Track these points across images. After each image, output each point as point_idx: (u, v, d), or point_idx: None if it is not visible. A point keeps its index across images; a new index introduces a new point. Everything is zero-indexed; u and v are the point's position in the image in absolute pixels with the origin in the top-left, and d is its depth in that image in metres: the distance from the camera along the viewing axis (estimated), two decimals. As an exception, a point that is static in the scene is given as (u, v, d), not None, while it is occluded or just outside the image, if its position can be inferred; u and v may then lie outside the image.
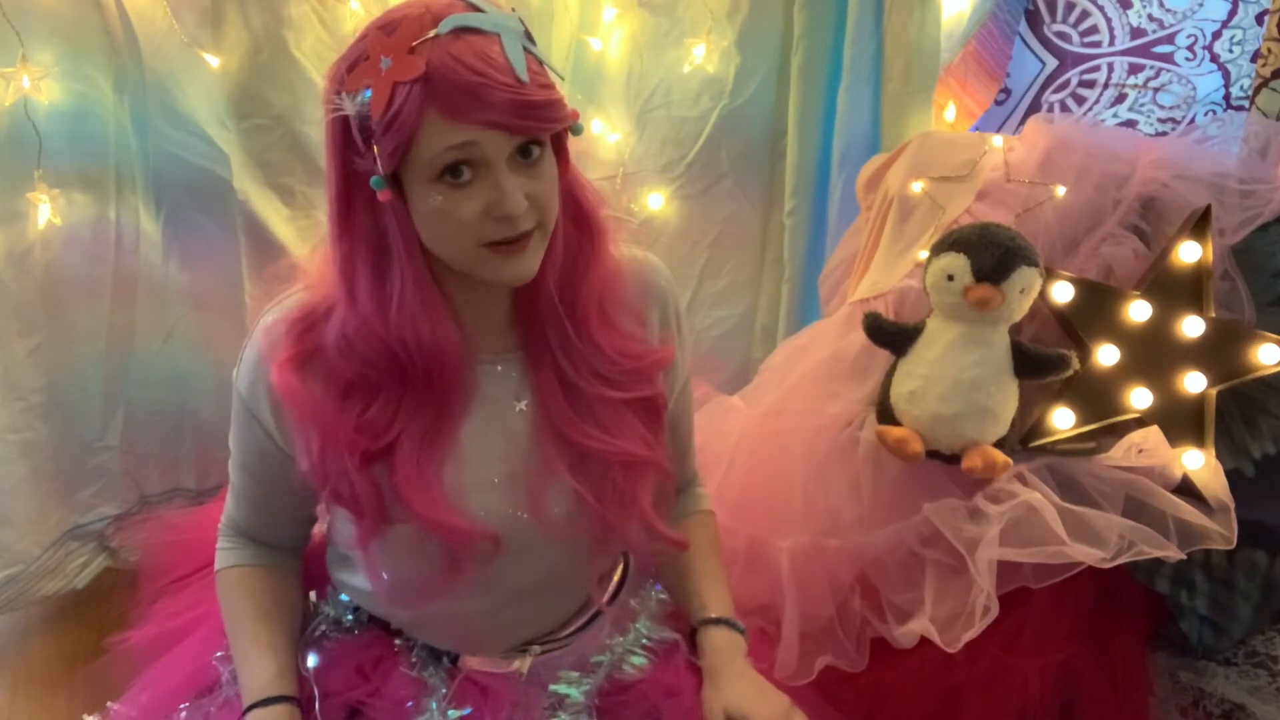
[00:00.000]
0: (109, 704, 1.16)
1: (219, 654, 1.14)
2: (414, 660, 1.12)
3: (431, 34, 0.87)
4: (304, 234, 1.90)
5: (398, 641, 1.13)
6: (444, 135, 0.88)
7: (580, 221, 1.02)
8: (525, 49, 0.91)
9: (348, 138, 0.92)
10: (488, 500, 1.03)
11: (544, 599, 1.12)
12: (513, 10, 0.93)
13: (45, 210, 1.73)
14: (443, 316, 0.97)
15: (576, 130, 0.97)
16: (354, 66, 0.90)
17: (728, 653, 1.11)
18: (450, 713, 1.09)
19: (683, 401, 1.20)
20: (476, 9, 0.90)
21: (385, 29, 0.89)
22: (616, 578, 1.21)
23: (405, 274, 0.95)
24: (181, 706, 1.12)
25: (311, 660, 1.12)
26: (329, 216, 0.98)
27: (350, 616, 1.16)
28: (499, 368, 1.04)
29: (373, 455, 0.98)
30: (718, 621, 1.14)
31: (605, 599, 1.17)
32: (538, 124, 0.90)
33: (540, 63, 0.92)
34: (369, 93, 0.88)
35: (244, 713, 1.04)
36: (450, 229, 0.92)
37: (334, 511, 1.07)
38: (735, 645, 1.13)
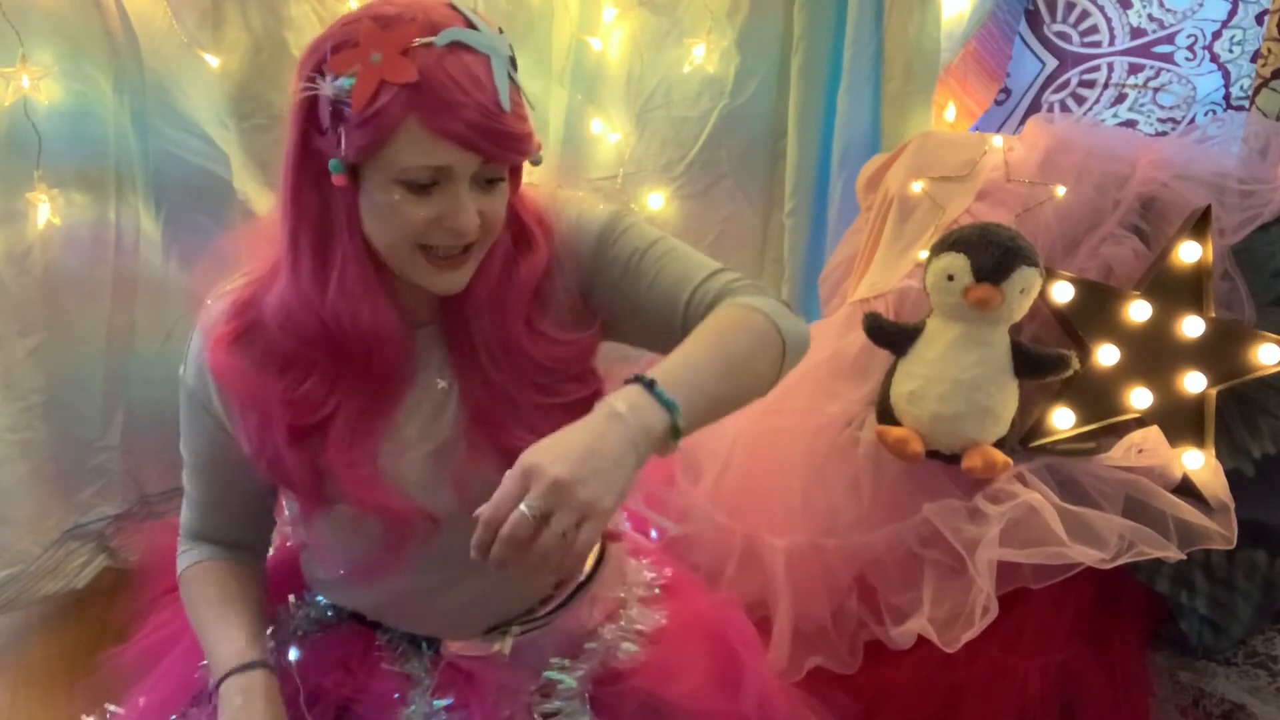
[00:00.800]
0: (107, 706, 1.16)
1: (203, 664, 1.13)
2: (396, 652, 1.12)
3: (428, 41, 0.87)
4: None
5: (378, 635, 1.13)
6: (422, 149, 0.88)
7: (519, 237, 1.03)
8: (511, 78, 0.92)
9: (313, 115, 0.92)
10: (418, 476, 1.02)
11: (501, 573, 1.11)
12: (501, 31, 0.93)
13: (45, 210, 1.72)
14: (381, 299, 0.97)
15: (536, 161, 0.97)
16: (339, 49, 0.90)
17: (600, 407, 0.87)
18: (435, 703, 1.09)
19: (632, 246, 1.04)
20: (472, 27, 0.91)
21: (380, 22, 0.89)
22: (594, 554, 1.19)
23: (347, 255, 0.95)
24: (173, 717, 1.12)
25: (293, 654, 1.12)
26: (280, 186, 0.98)
27: (330, 614, 1.16)
28: (425, 341, 1.04)
29: (302, 431, 0.99)
30: (633, 380, 0.89)
31: (580, 577, 1.16)
32: (510, 154, 0.92)
33: (520, 91, 0.93)
34: (350, 81, 0.88)
35: (216, 685, 1.02)
36: (395, 226, 0.92)
37: (284, 493, 1.09)
38: (622, 397, 0.86)
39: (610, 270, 1.04)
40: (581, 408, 0.91)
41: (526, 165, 1.01)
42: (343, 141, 0.90)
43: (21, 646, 1.92)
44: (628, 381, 0.87)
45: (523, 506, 0.78)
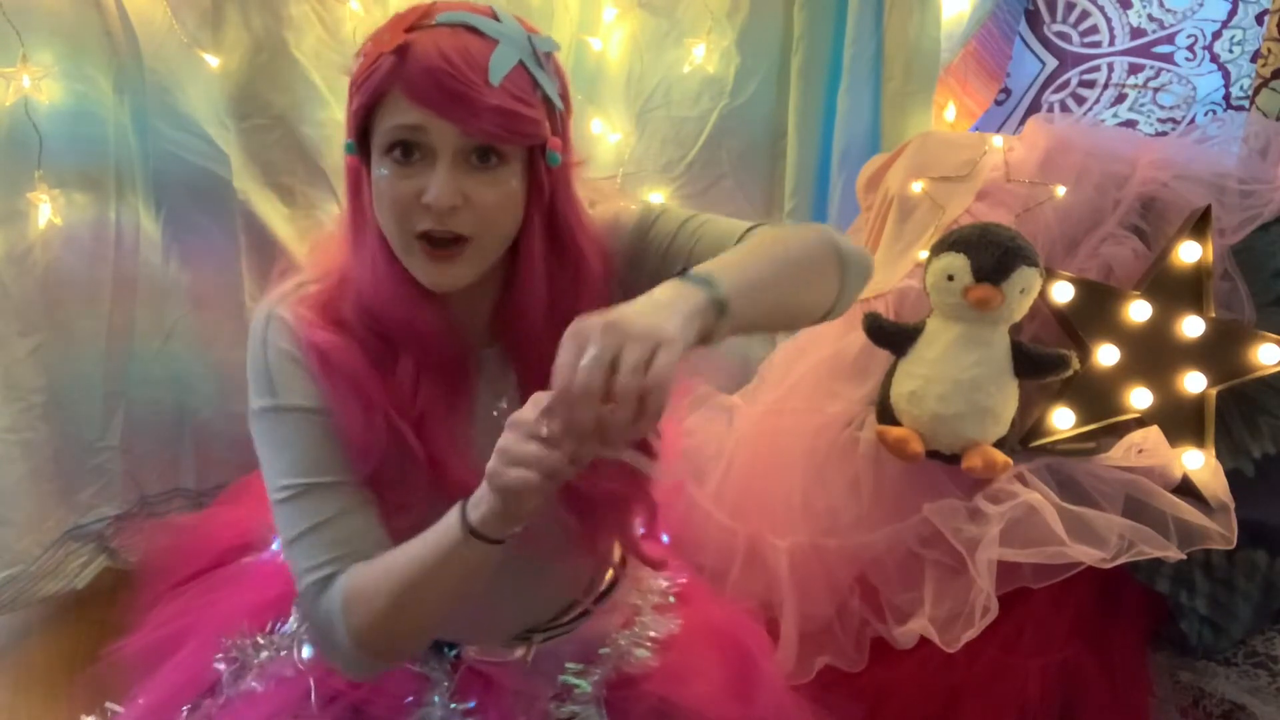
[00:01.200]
0: (108, 705, 1.16)
1: (219, 656, 1.13)
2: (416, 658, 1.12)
3: (430, 21, 0.91)
4: (304, 234, 1.90)
5: None
6: (398, 112, 0.90)
7: (563, 258, 0.99)
8: (524, 65, 0.91)
9: (348, 103, 0.96)
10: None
11: (546, 581, 1.12)
12: (542, 36, 0.94)
13: (45, 210, 1.72)
14: (410, 287, 0.96)
15: (552, 160, 0.96)
16: (370, 39, 0.94)
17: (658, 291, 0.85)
18: (453, 705, 1.09)
19: (670, 227, 1.06)
20: (494, 18, 0.92)
21: (403, 12, 0.93)
22: (616, 556, 1.20)
23: (373, 244, 0.96)
24: (184, 708, 1.12)
25: (306, 651, 1.11)
26: (345, 186, 1.00)
27: None
28: (486, 359, 1.04)
29: (412, 424, 0.96)
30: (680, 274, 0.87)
31: (603, 586, 1.17)
32: (490, 128, 0.90)
33: (534, 84, 0.93)
34: (363, 57, 0.93)
35: (465, 518, 0.87)
36: (387, 205, 0.93)
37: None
38: (672, 288, 0.83)
39: (652, 254, 1.03)
40: (636, 444, 0.92)
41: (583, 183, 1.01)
42: (349, 115, 0.94)
43: (21, 647, 1.91)
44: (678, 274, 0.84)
45: (587, 357, 0.74)
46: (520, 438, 0.79)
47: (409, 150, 0.91)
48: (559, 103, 0.96)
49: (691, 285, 0.81)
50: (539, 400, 0.80)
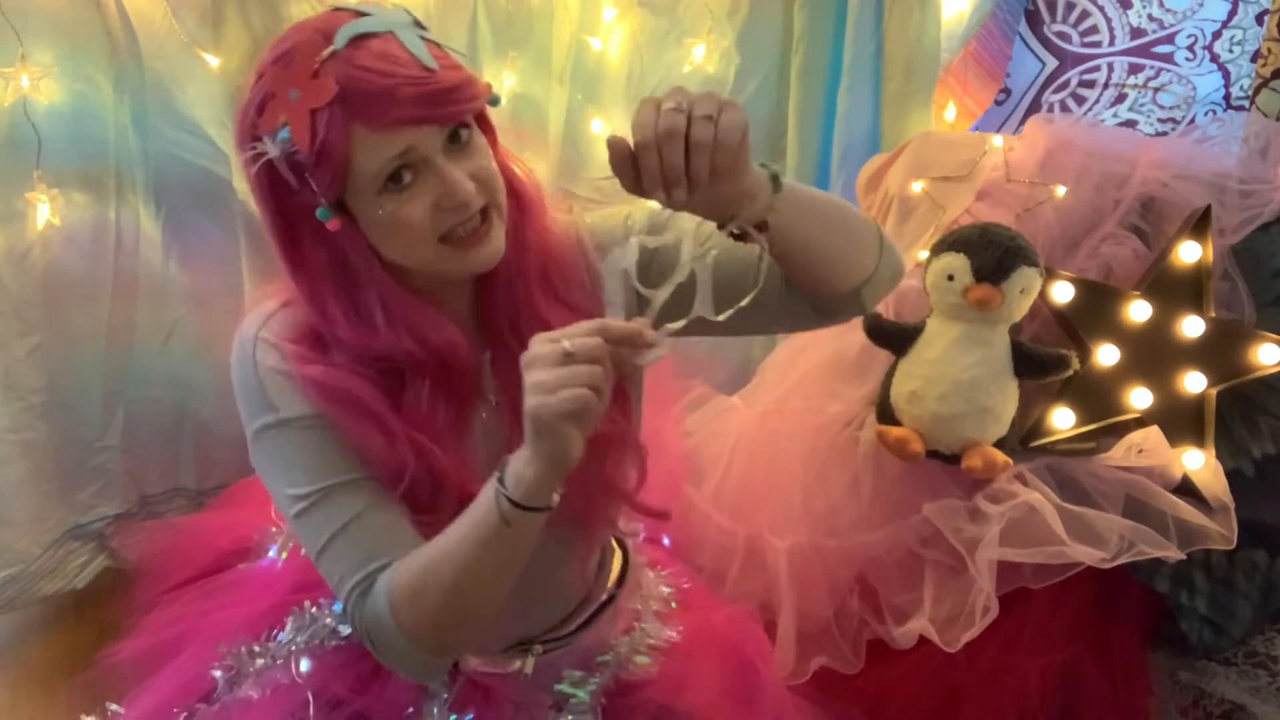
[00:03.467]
0: (109, 705, 1.16)
1: (215, 664, 1.13)
2: None
3: (328, 51, 0.86)
4: (304, 234, 1.90)
5: None
6: (377, 148, 0.87)
7: (514, 195, 1.00)
8: (423, 38, 0.90)
9: (276, 178, 0.90)
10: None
11: (544, 590, 1.11)
12: (396, 7, 0.92)
13: (45, 210, 1.72)
14: (436, 314, 0.96)
15: (494, 101, 0.96)
16: (262, 108, 0.88)
17: None
18: (453, 716, 1.09)
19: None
20: (362, 14, 0.90)
21: (280, 62, 0.88)
22: (616, 569, 1.20)
23: (374, 291, 0.94)
24: (180, 715, 1.12)
25: (304, 664, 1.11)
26: (280, 259, 0.96)
27: (346, 627, 1.13)
28: (489, 365, 1.03)
29: (431, 436, 0.95)
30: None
31: (604, 594, 1.17)
32: (459, 108, 0.90)
33: (440, 46, 0.92)
34: (286, 130, 0.87)
35: (502, 486, 0.86)
36: (404, 233, 0.91)
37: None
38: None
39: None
40: (616, 396, 0.94)
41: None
42: (314, 187, 0.88)
43: (21, 646, 1.91)
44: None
45: (666, 105, 0.83)
46: (549, 365, 0.79)
47: (399, 176, 0.89)
48: (452, 48, 0.95)
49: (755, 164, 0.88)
50: (547, 336, 0.80)
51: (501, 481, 0.85)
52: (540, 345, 0.80)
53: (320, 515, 0.94)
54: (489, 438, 1.02)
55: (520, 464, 0.84)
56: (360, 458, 0.94)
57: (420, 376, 0.96)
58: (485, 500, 0.87)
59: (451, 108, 0.89)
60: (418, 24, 0.92)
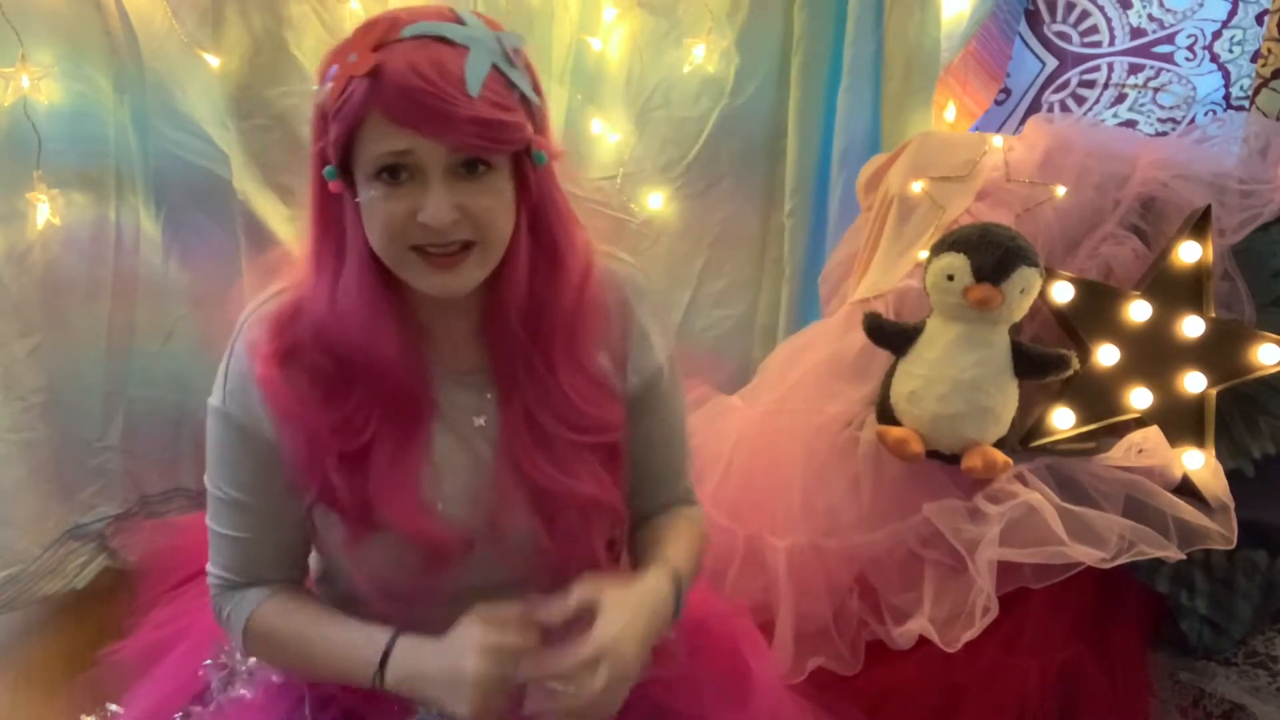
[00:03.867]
0: (108, 705, 1.16)
1: (208, 661, 1.13)
2: None
3: (395, 36, 0.89)
4: (304, 234, 1.90)
5: None
6: (383, 137, 0.89)
7: (546, 249, 1.00)
8: (498, 68, 0.90)
9: (317, 127, 0.94)
10: (454, 508, 1.02)
11: (517, 590, 1.11)
12: (507, 32, 0.93)
13: (45, 210, 1.73)
14: (382, 317, 0.96)
15: (538, 159, 0.96)
16: (333, 56, 0.92)
17: (648, 581, 1.02)
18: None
19: (670, 406, 1.14)
20: (461, 22, 0.91)
21: (365, 26, 0.91)
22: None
23: (351, 269, 0.95)
24: (175, 717, 1.11)
25: None
26: (309, 197, 0.99)
27: None
28: (464, 386, 1.03)
29: (350, 456, 0.97)
30: (663, 564, 1.05)
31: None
32: (476, 141, 0.89)
33: (510, 86, 0.92)
34: (330, 82, 0.90)
35: (381, 669, 0.97)
36: (379, 226, 0.92)
37: (320, 517, 1.04)
38: (657, 588, 1.02)
39: (646, 406, 1.10)
40: (606, 451, 1.03)
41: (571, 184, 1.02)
42: (328, 144, 0.91)
43: (21, 646, 1.91)
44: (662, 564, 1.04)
45: (595, 689, 0.91)
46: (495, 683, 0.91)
47: (397, 171, 0.90)
48: (535, 98, 0.95)
49: (674, 599, 1.03)
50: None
51: (383, 666, 0.97)
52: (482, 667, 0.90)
53: (220, 512, 1.03)
54: (451, 459, 1.02)
55: (411, 673, 0.96)
56: (278, 481, 1.00)
57: (363, 380, 0.97)
58: (363, 657, 0.98)
59: (464, 137, 0.88)
60: (509, 58, 0.92)
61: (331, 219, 0.96)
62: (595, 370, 1.05)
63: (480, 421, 1.03)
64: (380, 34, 0.89)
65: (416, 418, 1.00)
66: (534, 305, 1.00)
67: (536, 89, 0.96)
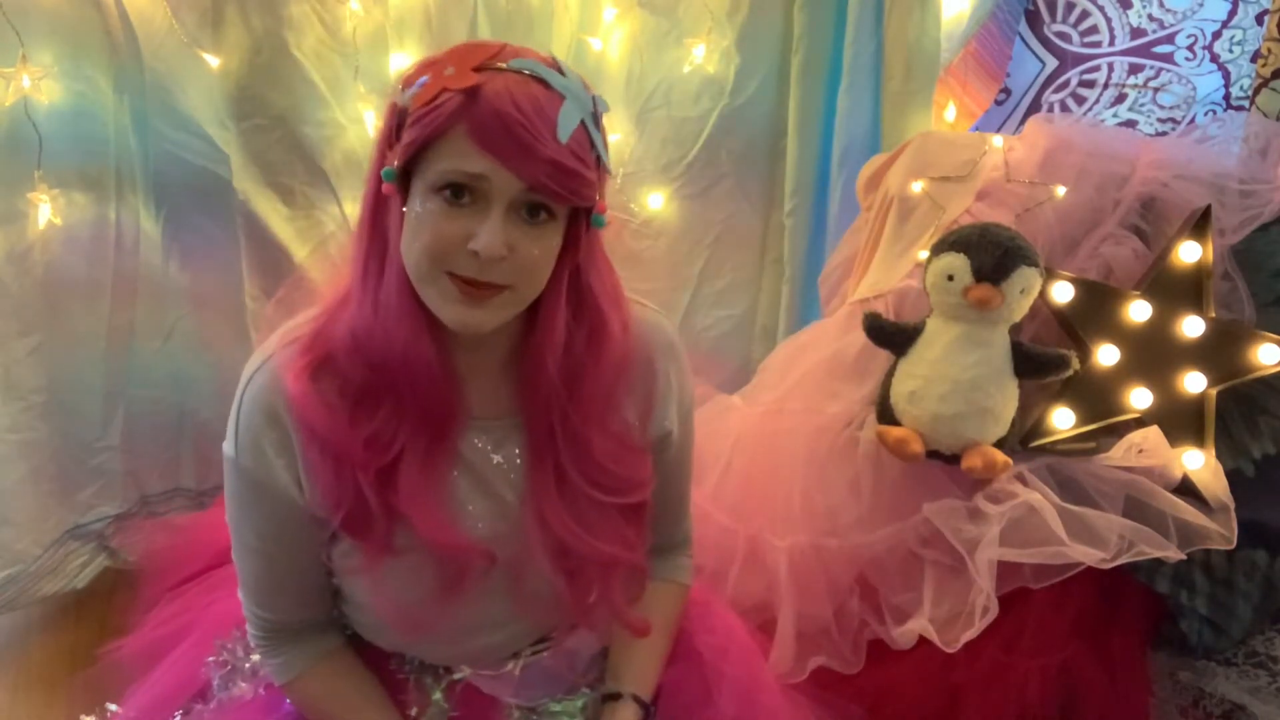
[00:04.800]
0: (108, 705, 1.16)
1: (210, 659, 1.13)
2: (410, 676, 1.13)
3: (499, 65, 0.89)
4: (304, 234, 1.90)
5: (392, 663, 1.13)
6: (462, 155, 0.88)
7: (582, 313, 1.00)
8: (585, 124, 0.90)
9: (389, 128, 0.93)
10: (477, 533, 1.03)
11: (526, 621, 1.12)
12: (598, 96, 0.93)
13: (45, 210, 1.73)
14: (419, 327, 0.95)
15: (597, 222, 0.96)
16: (425, 66, 0.91)
17: None
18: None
19: (678, 461, 1.17)
20: (559, 71, 0.91)
21: (468, 46, 0.91)
22: None
23: (391, 275, 0.94)
24: (176, 714, 1.12)
25: None
26: (364, 196, 0.98)
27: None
28: (492, 432, 1.03)
29: (382, 470, 0.96)
30: (619, 696, 1.11)
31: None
32: (553, 185, 0.89)
33: (591, 144, 0.92)
34: (420, 86, 0.90)
35: None
36: (424, 238, 0.90)
37: (339, 553, 1.03)
38: None
39: (658, 453, 1.11)
40: (633, 513, 1.04)
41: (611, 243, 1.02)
42: (398, 145, 0.90)
43: (21, 646, 1.91)
44: (618, 697, 1.10)
45: None
46: None
47: (461, 192, 0.89)
48: (608, 164, 0.95)
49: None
50: None
51: None
52: None
53: (244, 561, 1.05)
54: (472, 495, 1.02)
55: None
56: (295, 533, 1.01)
57: (394, 393, 0.97)
58: None
59: (542, 177, 0.88)
60: (596, 119, 0.92)
61: (378, 223, 0.95)
62: (626, 431, 1.06)
63: (498, 459, 1.03)
64: (484, 57, 0.89)
65: (444, 430, 0.99)
66: (572, 365, 0.99)
67: (606, 154, 0.96)
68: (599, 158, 0.93)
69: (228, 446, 1.00)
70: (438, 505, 0.99)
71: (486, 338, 0.96)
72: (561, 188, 0.89)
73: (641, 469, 1.06)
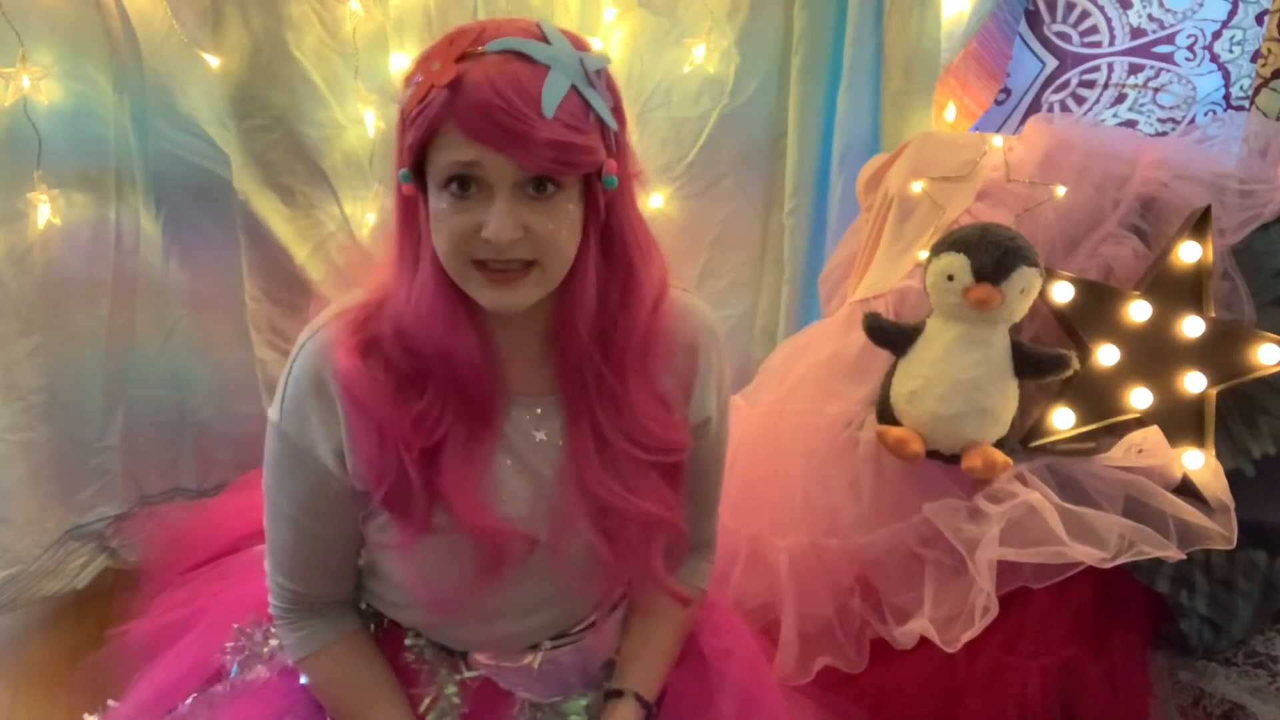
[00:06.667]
0: (109, 701, 1.16)
1: (229, 644, 1.14)
2: (423, 655, 1.13)
3: (480, 49, 0.89)
4: (304, 234, 1.90)
5: (408, 654, 1.13)
6: (455, 148, 0.89)
7: (619, 271, 1.00)
8: (576, 89, 0.90)
9: (398, 131, 0.95)
10: (516, 511, 1.03)
11: (558, 609, 1.12)
12: (591, 54, 0.93)
13: (45, 210, 1.73)
14: (458, 318, 0.97)
15: (608, 183, 0.95)
16: (419, 64, 0.92)
17: None
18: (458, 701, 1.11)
19: (714, 453, 1.17)
20: (543, 39, 0.90)
21: (451, 36, 0.91)
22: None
23: (426, 269, 0.96)
24: (191, 693, 1.12)
25: None
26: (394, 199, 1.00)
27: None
28: (535, 410, 1.04)
29: (426, 451, 0.98)
30: (621, 694, 1.12)
31: (614, 599, 1.18)
32: (545, 162, 0.89)
33: (586, 108, 0.91)
34: (414, 86, 0.91)
35: None
36: (444, 235, 0.92)
37: (375, 527, 1.05)
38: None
39: (699, 438, 1.12)
40: (671, 474, 1.05)
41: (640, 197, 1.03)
42: (404, 148, 0.92)
43: (21, 646, 1.92)
44: (621, 695, 1.12)
45: None
46: None
47: (466, 184, 0.90)
48: (612, 121, 0.94)
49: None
50: None
51: None
52: None
53: (278, 529, 1.06)
54: (513, 475, 1.03)
55: None
56: (319, 497, 1.02)
57: (437, 378, 0.98)
58: None
59: (533, 158, 0.88)
60: (590, 80, 0.92)
61: (409, 222, 0.97)
62: (664, 392, 1.06)
63: (541, 436, 1.04)
64: (465, 45, 0.89)
65: (487, 416, 1.01)
66: (605, 323, 1.00)
67: (617, 110, 0.96)
68: (599, 118, 0.93)
69: (272, 412, 1.01)
70: (479, 489, 1.00)
71: (524, 316, 0.97)
72: (556, 163, 0.89)
73: (680, 432, 1.07)
